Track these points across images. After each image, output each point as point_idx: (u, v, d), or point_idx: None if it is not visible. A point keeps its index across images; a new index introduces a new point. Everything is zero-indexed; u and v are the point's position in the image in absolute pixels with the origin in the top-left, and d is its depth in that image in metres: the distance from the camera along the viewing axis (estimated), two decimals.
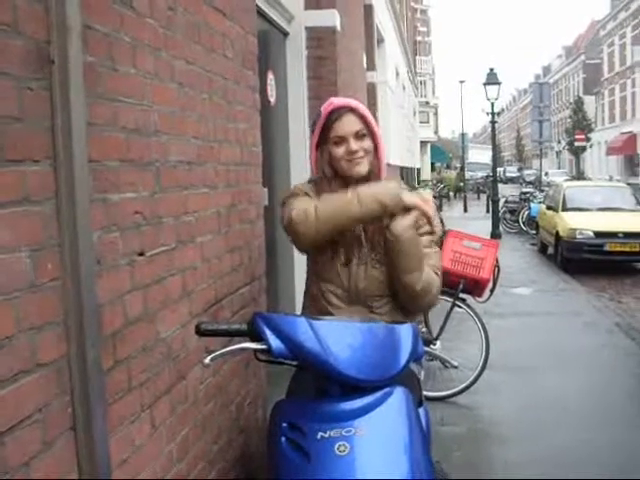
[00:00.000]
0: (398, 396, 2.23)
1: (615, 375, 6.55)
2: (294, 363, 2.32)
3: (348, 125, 2.77)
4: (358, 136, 2.76)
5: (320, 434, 2.10)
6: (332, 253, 2.79)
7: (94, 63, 2.01)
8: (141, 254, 2.30)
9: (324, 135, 2.80)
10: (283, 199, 2.85)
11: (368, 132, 2.80)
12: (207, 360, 2.28)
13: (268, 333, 2.22)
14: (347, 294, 2.79)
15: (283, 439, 2.17)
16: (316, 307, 2.84)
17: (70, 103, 1.81)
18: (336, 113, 2.79)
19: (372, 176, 2.79)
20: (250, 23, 3.69)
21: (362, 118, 2.80)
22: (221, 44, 3.16)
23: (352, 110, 2.80)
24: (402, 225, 2.60)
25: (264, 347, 2.24)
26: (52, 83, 1.78)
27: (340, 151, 2.75)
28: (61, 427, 1.82)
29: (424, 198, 2.65)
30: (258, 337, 2.26)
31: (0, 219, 1.58)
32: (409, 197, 2.60)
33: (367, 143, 2.78)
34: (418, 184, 29.89)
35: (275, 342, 2.21)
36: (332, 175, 2.81)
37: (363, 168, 2.75)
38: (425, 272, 2.71)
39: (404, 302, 2.79)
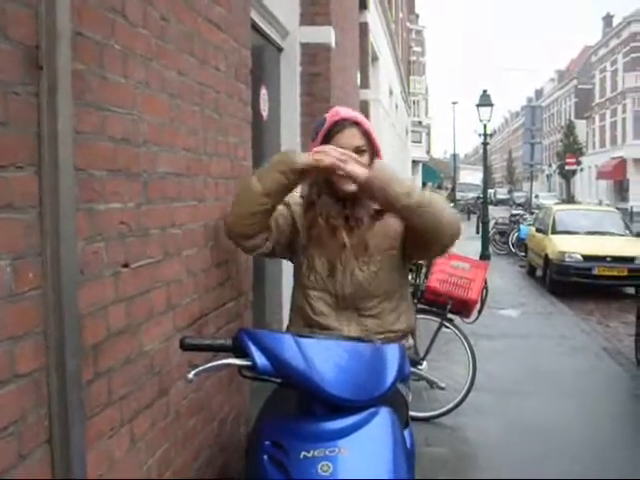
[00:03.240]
0: (383, 417, 2.20)
1: (601, 400, 6.53)
2: (278, 380, 2.28)
3: (349, 138, 2.76)
4: (357, 151, 2.74)
5: (303, 453, 2.07)
6: (315, 264, 2.78)
7: (83, 70, 1.98)
8: (126, 265, 2.27)
9: (324, 143, 2.78)
10: None
11: (369, 149, 2.78)
12: (191, 375, 2.24)
13: (253, 349, 2.19)
14: (335, 299, 2.77)
15: (265, 457, 2.14)
16: (303, 319, 2.81)
17: (57, 110, 1.78)
18: (340, 124, 2.77)
19: (362, 194, 2.76)
20: (244, 37, 3.67)
21: (365, 134, 2.78)
22: (214, 56, 3.14)
23: (356, 124, 2.79)
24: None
25: (249, 363, 2.20)
26: (40, 89, 1.75)
27: None
28: (37, 440, 1.77)
29: (319, 151, 2.65)
30: (243, 353, 2.22)
31: None
32: (303, 158, 2.64)
33: (365, 160, 2.74)
34: None
35: (260, 359, 2.17)
36: (323, 184, 2.79)
37: (351, 187, 2.72)
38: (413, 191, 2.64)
39: (432, 240, 2.72)
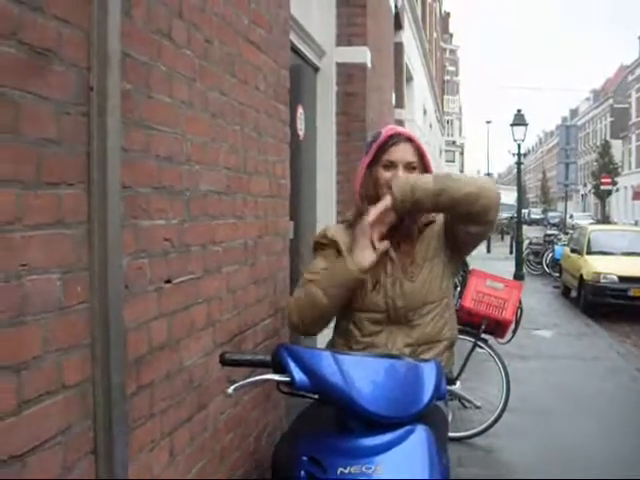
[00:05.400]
0: (420, 434, 2.21)
1: (636, 422, 6.44)
2: (316, 396, 2.30)
3: (403, 153, 2.81)
4: (409, 167, 2.79)
5: (340, 469, 2.08)
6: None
7: (131, 90, 2.04)
8: (168, 281, 2.32)
9: (377, 156, 2.83)
10: (313, 244, 2.97)
11: (420, 167, 2.82)
12: (230, 390, 2.27)
13: (292, 365, 2.21)
14: (386, 315, 2.78)
15: (302, 473, 2.15)
16: (347, 342, 2.83)
17: (107, 129, 1.84)
18: (395, 138, 2.82)
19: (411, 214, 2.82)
20: (284, 58, 3.73)
21: (418, 150, 2.83)
22: (254, 77, 3.19)
23: (410, 140, 2.83)
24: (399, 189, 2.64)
25: (287, 379, 2.22)
26: (90, 109, 1.81)
27: (387, 175, 2.77)
28: (82, 451, 1.81)
29: (373, 213, 2.69)
30: (281, 369, 2.24)
31: (34, 240, 1.59)
32: (366, 259, 2.68)
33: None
34: None
35: (298, 374, 2.19)
36: (372, 196, 2.82)
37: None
38: (458, 180, 2.71)
39: (477, 216, 2.69)
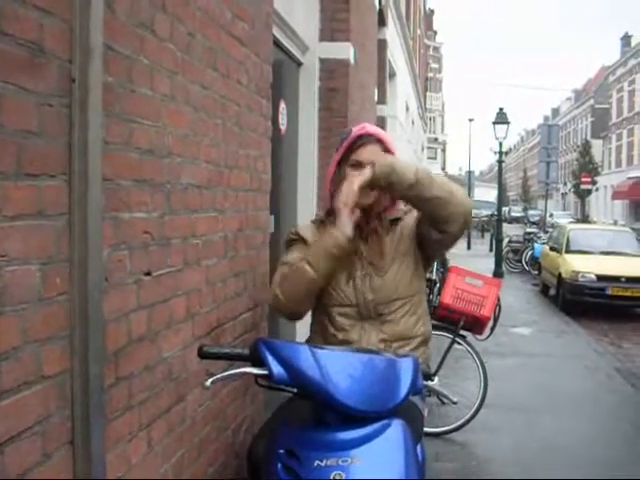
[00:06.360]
0: (396, 429, 2.23)
1: (612, 421, 6.50)
2: (294, 390, 2.32)
3: (370, 154, 2.84)
4: None
5: (316, 462, 2.10)
6: (334, 278, 2.83)
7: (113, 83, 2.05)
8: (148, 274, 2.33)
9: (346, 155, 2.87)
10: (286, 240, 3.01)
11: None
12: (208, 382, 2.28)
13: (270, 359, 2.22)
14: (357, 309, 2.82)
15: (279, 465, 2.17)
16: (324, 338, 2.86)
17: (88, 121, 1.84)
18: (365, 138, 2.87)
19: (376, 209, 2.85)
20: (266, 52, 3.74)
21: (386, 151, 2.85)
22: (237, 71, 3.20)
23: (380, 141, 2.86)
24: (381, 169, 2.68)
25: (265, 372, 2.24)
26: (72, 101, 1.82)
27: (354, 175, 2.79)
28: (60, 441, 1.83)
29: (346, 190, 2.73)
30: (259, 362, 2.26)
31: (14, 231, 1.60)
32: (347, 226, 2.72)
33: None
34: None
35: (276, 368, 2.21)
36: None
37: (366, 200, 2.78)
38: (434, 180, 2.73)
39: (444, 221, 2.74)
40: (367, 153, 2.83)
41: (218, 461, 3.07)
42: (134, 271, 2.23)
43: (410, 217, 2.93)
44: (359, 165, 2.81)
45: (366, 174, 2.71)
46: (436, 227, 2.77)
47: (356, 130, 2.91)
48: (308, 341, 2.99)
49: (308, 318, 3.03)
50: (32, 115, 1.67)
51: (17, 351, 1.62)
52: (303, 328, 3.00)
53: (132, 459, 2.25)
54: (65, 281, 1.83)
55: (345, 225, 2.71)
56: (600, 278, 13.03)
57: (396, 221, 2.93)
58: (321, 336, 2.88)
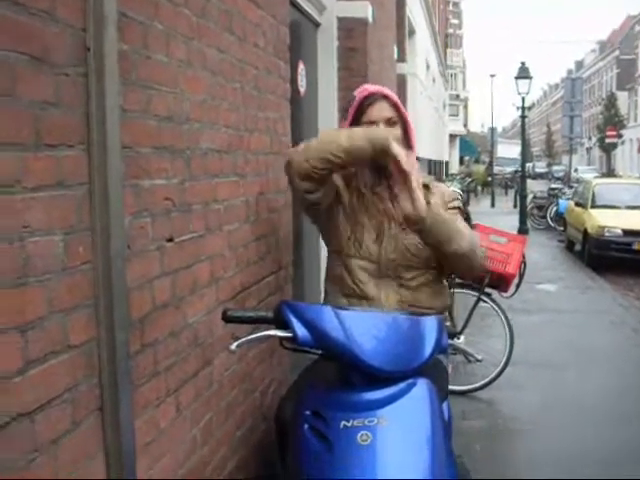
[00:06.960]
0: (422, 387, 2.24)
1: (638, 375, 6.49)
2: (319, 352, 2.33)
3: (380, 111, 2.87)
4: (389, 123, 2.86)
5: (343, 423, 2.12)
6: (359, 232, 2.83)
7: (128, 51, 2.04)
8: (170, 240, 2.33)
9: (356, 119, 2.89)
10: None
11: (399, 120, 2.87)
12: (233, 346, 2.30)
13: (294, 321, 2.24)
14: (377, 266, 2.83)
15: (306, 426, 2.19)
16: (341, 288, 2.86)
17: (105, 90, 1.84)
18: (370, 98, 2.88)
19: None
20: (282, 13, 3.70)
21: (394, 106, 2.90)
22: (253, 34, 3.17)
23: (385, 97, 2.89)
24: (419, 208, 2.58)
25: (290, 335, 2.25)
26: (88, 70, 1.81)
27: None
28: (89, 408, 1.85)
29: (410, 162, 2.62)
30: (284, 325, 2.27)
31: (36, 202, 1.61)
32: (396, 147, 2.59)
33: (397, 130, 2.87)
34: (446, 177, 29.77)
35: (301, 330, 2.22)
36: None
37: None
38: (463, 232, 2.75)
39: (457, 270, 2.99)
40: (376, 111, 2.86)
41: (246, 424, 3.11)
42: (156, 238, 2.23)
43: (437, 197, 2.90)
44: (373, 124, 2.83)
45: (395, 133, 2.76)
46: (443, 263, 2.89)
47: (359, 92, 2.93)
48: (326, 294, 3.00)
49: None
50: (48, 85, 1.66)
51: (43, 321, 1.64)
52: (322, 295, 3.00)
53: (161, 424, 2.28)
54: (88, 250, 1.84)
55: (396, 147, 2.60)
56: (626, 233, 12.93)
57: (427, 186, 2.89)
58: (339, 288, 2.88)
